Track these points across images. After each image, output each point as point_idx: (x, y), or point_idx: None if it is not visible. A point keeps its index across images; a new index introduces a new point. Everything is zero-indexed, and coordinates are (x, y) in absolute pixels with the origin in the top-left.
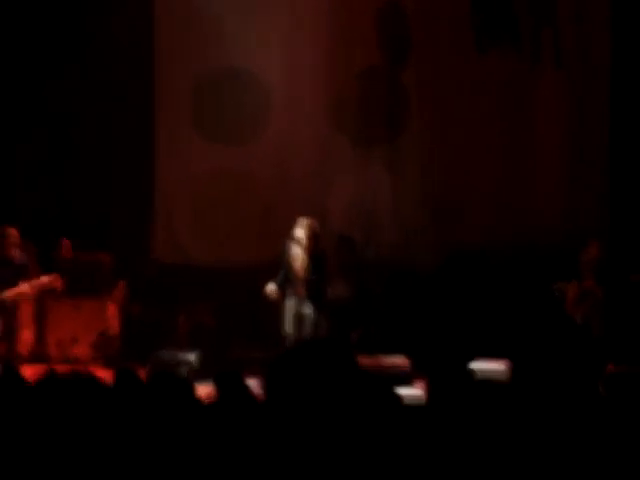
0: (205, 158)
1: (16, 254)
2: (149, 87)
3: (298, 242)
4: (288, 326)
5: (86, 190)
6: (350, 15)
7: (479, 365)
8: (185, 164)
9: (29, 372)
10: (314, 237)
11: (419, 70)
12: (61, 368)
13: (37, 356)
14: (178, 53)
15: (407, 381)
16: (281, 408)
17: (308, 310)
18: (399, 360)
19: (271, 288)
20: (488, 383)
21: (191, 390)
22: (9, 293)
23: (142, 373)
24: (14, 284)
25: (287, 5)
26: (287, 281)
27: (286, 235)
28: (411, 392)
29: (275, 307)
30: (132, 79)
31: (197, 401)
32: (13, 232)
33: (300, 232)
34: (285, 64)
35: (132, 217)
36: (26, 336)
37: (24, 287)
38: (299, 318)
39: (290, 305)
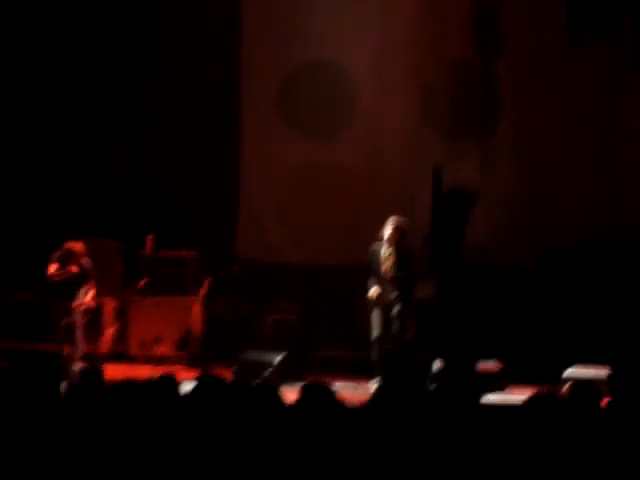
0: (292, 153)
1: (81, 267)
2: (236, 81)
3: (386, 240)
4: (376, 330)
5: (172, 187)
6: (442, 6)
7: (579, 371)
8: (272, 159)
9: (111, 371)
10: (401, 235)
11: (511, 62)
12: (144, 367)
13: (120, 354)
14: (266, 46)
15: (500, 386)
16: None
17: (396, 311)
18: (491, 365)
19: (375, 291)
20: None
21: (275, 395)
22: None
23: (227, 373)
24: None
25: None
26: (377, 283)
27: (375, 233)
28: (503, 397)
29: (363, 308)
30: (219, 72)
31: (281, 406)
32: (77, 247)
33: (388, 230)
34: (375, 56)
35: (217, 214)
36: (109, 334)
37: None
38: (386, 321)
39: (377, 310)
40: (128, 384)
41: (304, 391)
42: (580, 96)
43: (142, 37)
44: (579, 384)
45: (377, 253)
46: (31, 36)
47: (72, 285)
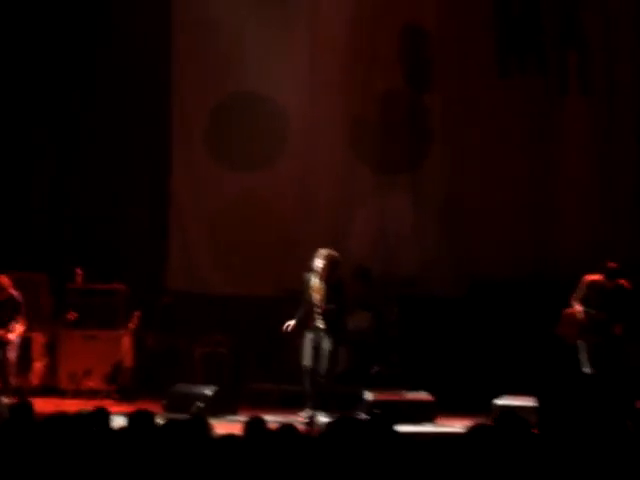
0: (222, 185)
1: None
2: (165, 113)
3: (317, 272)
4: (307, 358)
5: (100, 219)
6: (371, 38)
7: (507, 401)
8: (201, 191)
9: (41, 405)
10: (332, 267)
11: (441, 94)
12: (74, 401)
13: (49, 388)
14: (195, 78)
15: (430, 417)
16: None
17: (326, 343)
18: (422, 395)
19: (288, 324)
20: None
21: (205, 428)
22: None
23: (157, 407)
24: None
25: (306, 30)
26: (308, 313)
27: (306, 265)
28: (434, 428)
29: (292, 339)
30: (148, 104)
31: (211, 439)
32: (3, 280)
33: (319, 262)
34: (304, 89)
35: (147, 246)
36: (38, 368)
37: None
38: (317, 351)
39: (309, 337)
40: (59, 418)
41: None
42: (510, 126)
43: (75, 68)
44: (509, 415)
45: (308, 283)
46: None
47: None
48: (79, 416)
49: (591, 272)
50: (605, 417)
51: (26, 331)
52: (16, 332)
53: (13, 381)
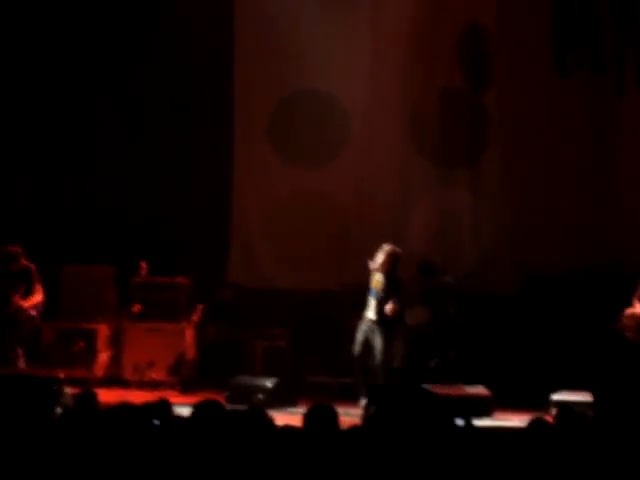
0: (284, 181)
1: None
2: (228, 109)
3: (378, 268)
4: (357, 348)
5: (165, 213)
6: (431, 36)
7: (563, 396)
8: (263, 186)
9: (105, 396)
10: (391, 261)
11: (500, 92)
12: (137, 392)
13: (113, 379)
14: (258, 74)
15: (488, 412)
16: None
17: (379, 337)
18: (479, 390)
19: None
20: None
21: (266, 419)
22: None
23: (219, 398)
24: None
25: (369, 26)
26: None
27: (364, 260)
28: (492, 423)
29: (352, 333)
30: (212, 101)
31: (273, 430)
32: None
33: (380, 257)
34: (365, 85)
35: (210, 240)
36: (102, 359)
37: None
38: (369, 342)
39: (362, 328)
40: (122, 408)
41: (310, 414)
42: (567, 125)
43: (135, 69)
44: (568, 410)
45: (371, 278)
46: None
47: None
48: (143, 407)
49: None
50: None
51: (43, 301)
52: (33, 302)
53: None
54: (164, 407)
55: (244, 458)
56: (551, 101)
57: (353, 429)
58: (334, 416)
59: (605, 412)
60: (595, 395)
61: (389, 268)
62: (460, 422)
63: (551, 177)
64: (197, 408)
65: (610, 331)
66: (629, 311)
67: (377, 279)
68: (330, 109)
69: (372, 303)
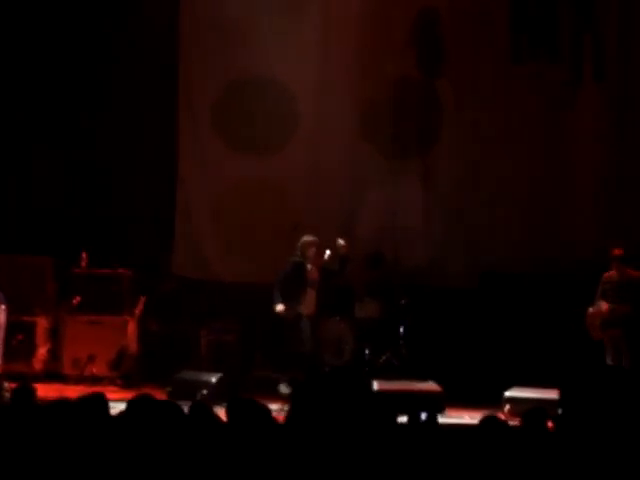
0: (230, 169)
1: None
2: (173, 96)
3: (311, 259)
4: (307, 345)
5: (106, 202)
6: (383, 24)
7: (516, 392)
8: (209, 175)
9: (44, 391)
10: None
11: (454, 81)
12: (77, 387)
13: (53, 374)
14: (203, 61)
15: (439, 408)
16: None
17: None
18: (430, 386)
19: (280, 307)
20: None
21: (210, 414)
22: None
23: (162, 394)
24: None
25: (319, 14)
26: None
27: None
28: (444, 420)
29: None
30: (156, 87)
31: (217, 424)
32: None
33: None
34: (316, 73)
35: (153, 231)
36: (41, 353)
37: None
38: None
39: (305, 324)
40: (59, 403)
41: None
42: (522, 112)
43: (76, 57)
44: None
45: (304, 268)
46: None
47: None
48: (77, 402)
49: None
50: (628, 409)
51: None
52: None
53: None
54: (99, 402)
55: (182, 453)
56: (506, 89)
57: (272, 424)
58: (257, 410)
59: (571, 410)
60: (561, 392)
61: (321, 261)
62: (424, 416)
63: (506, 168)
64: (130, 404)
65: (567, 328)
66: (592, 310)
67: (312, 270)
68: (280, 96)
69: (311, 294)
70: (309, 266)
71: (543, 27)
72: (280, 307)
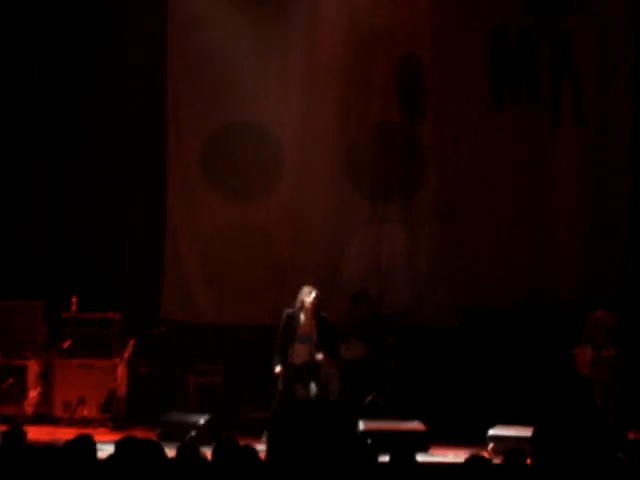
0: (217, 214)
1: None
2: (161, 142)
3: (306, 310)
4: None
5: (97, 247)
6: (366, 70)
7: (502, 431)
8: (197, 220)
9: (35, 433)
10: (319, 303)
11: (435, 124)
12: (68, 430)
13: (44, 416)
14: (191, 106)
15: (423, 447)
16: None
17: (312, 384)
18: (415, 425)
19: (277, 369)
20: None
21: (198, 456)
22: None
23: (151, 435)
24: None
25: (303, 60)
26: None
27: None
28: (428, 458)
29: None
30: (144, 134)
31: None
32: None
33: (308, 300)
34: (299, 118)
35: (143, 276)
36: (32, 396)
37: None
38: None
39: (287, 378)
40: (48, 447)
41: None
42: (503, 157)
43: (66, 103)
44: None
45: (296, 320)
46: None
47: None
48: (65, 445)
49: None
50: (599, 448)
51: None
52: None
53: None
54: (86, 444)
55: None
56: (486, 134)
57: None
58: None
59: (545, 446)
60: (536, 429)
61: (317, 308)
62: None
63: (487, 210)
64: (119, 445)
65: (563, 365)
66: (580, 348)
67: (305, 323)
68: (264, 142)
69: (301, 348)
70: (302, 317)
71: (523, 73)
72: (278, 369)
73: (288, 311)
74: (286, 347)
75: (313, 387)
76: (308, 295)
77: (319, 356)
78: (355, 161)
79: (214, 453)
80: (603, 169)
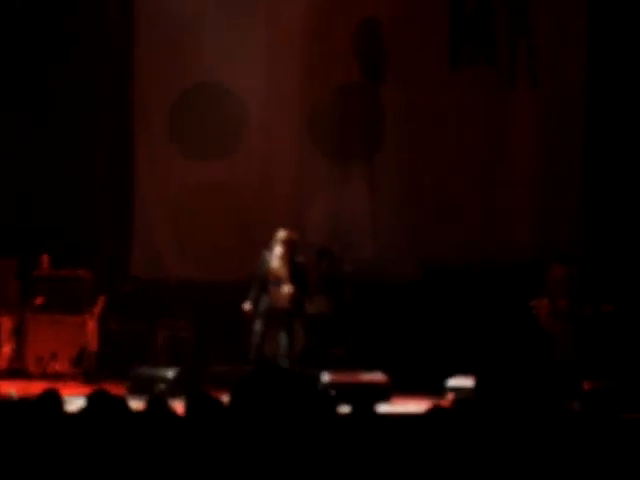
0: (184, 173)
1: None
2: (127, 103)
3: (277, 254)
4: (256, 339)
5: (66, 207)
6: (328, 31)
7: (460, 381)
8: (164, 180)
9: (7, 387)
10: (292, 246)
11: (396, 86)
12: (40, 383)
13: (16, 371)
14: (156, 69)
15: (385, 397)
16: (245, 423)
17: (287, 325)
18: (378, 377)
19: (247, 307)
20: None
21: (166, 408)
22: None
23: (121, 389)
24: None
25: (265, 21)
26: (261, 294)
27: (264, 248)
28: (389, 409)
29: (252, 321)
30: (110, 94)
31: (173, 418)
32: None
33: (279, 244)
34: (263, 79)
35: (112, 233)
36: (5, 352)
37: None
38: (274, 332)
39: (262, 322)
40: (19, 401)
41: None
42: (462, 117)
43: (35, 69)
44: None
45: (267, 262)
46: None
47: None
48: (32, 400)
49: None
50: (547, 398)
51: None
52: None
53: None
54: (53, 399)
55: (140, 447)
56: (445, 95)
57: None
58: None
59: (486, 393)
60: (478, 376)
61: (289, 253)
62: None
63: (447, 169)
64: (89, 399)
65: (525, 310)
66: (538, 301)
67: (276, 268)
68: (229, 102)
69: (274, 292)
70: (276, 261)
71: (481, 35)
72: (246, 306)
73: (264, 253)
74: (258, 288)
75: (283, 338)
76: (280, 238)
77: (285, 289)
78: (318, 122)
79: (186, 405)
80: (557, 131)
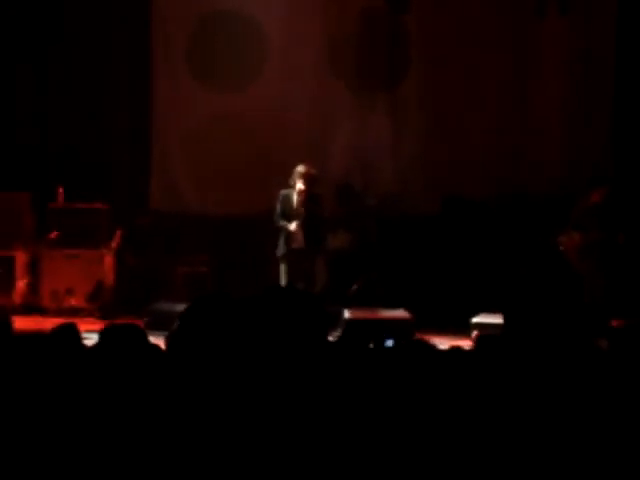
0: (203, 105)
1: None
2: (146, 33)
3: (297, 189)
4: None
5: (83, 139)
6: None
7: (483, 319)
8: (182, 111)
9: (22, 323)
10: (312, 182)
11: (420, 14)
12: (56, 319)
13: (32, 307)
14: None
15: (409, 335)
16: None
17: (308, 262)
18: (400, 313)
19: (293, 227)
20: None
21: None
22: None
23: (139, 324)
24: None
25: None
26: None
27: (283, 184)
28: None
29: (273, 257)
30: (129, 24)
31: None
32: None
33: (299, 179)
34: (282, 7)
35: (129, 166)
36: (20, 287)
37: None
38: (298, 271)
39: (287, 259)
40: (33, 335)
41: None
42: (489, 47)
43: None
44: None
45: (289, 200)
46: None
47: None
48: (49, 334)
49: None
50: (573, 335)
51: None
52: None
53: None
54: (72, 333)
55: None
56: (471, 22)
57: None
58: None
59: (515, 330)
60: (507, 313)
61: (308, 189)
62: (389, 343)
63: (471, 100)
64: (103, 333)
65: (552, 247)
66: (565, 237)
67: (298, 203)
68: (249, 31)
69: (295, 230)
70: (295, 197)
71: None
72: (292, 226)
73: (282, 192)
74: (282, 227)
75: (304, 278)
76: (299, 173)
77: (292, 226)
78: (339, 51)
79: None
80: (587, 58)
